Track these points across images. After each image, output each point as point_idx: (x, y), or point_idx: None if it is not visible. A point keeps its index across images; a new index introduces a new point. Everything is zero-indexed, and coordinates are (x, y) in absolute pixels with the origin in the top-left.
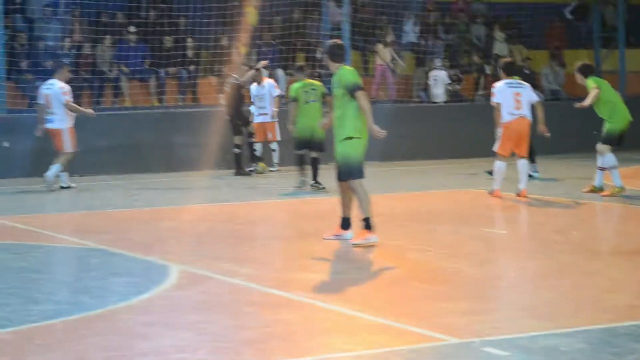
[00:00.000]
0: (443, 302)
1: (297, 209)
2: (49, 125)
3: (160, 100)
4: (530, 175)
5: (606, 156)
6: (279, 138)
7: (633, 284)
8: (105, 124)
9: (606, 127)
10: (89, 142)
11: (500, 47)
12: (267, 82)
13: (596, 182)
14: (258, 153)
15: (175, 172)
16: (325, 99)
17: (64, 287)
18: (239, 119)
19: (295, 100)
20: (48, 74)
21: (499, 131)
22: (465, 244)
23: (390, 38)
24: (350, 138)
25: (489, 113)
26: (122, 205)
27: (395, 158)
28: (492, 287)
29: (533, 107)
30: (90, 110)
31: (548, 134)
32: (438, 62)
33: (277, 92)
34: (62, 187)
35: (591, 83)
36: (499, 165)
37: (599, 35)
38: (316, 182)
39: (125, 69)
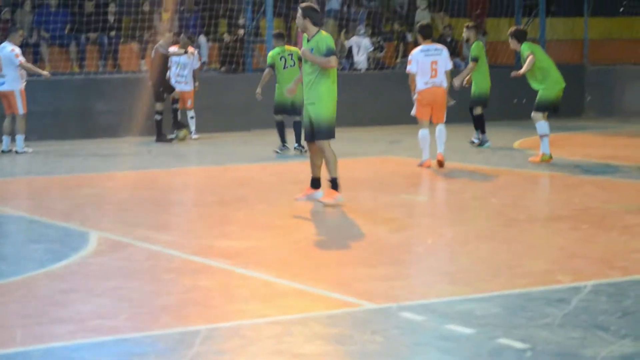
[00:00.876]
0: (361, 267)
1: (218, 175)
2: (0, 88)
3: (80, 67)
4: (480, 144)
5: (538, 123)
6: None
7: (549, 250)
8: (25, 89)
9: (539, 93)
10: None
11: (422, 15)
12: (191, 51)
13: (542, 150)
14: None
15: (96, 139)
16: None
17: None
18: (162, 85)
19: (271, 66)
20: None
21: (415, 96)
22: (384, 210)
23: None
24: (322, 100)
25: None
26: (42, 172)
27: None
28: (410, 253)
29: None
30: (46, 72)
31: (452, 103)
32: (360, 30)
33: (198, 64)
34: (17, 152)
35: (526, 49)
36: (421, 133)
37: (520, 4)
38: (300, 146)
39: (45, 34)
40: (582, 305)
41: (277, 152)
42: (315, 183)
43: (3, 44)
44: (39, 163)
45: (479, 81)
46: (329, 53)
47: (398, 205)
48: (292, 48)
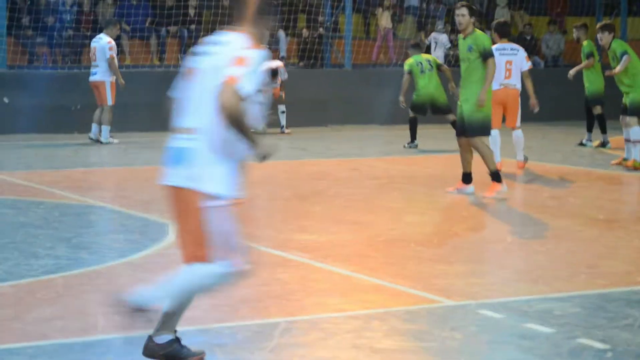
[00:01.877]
0: (439, 264)
1: (295, 169)
2: (92, 78)
3: (160, 59)
4: (602, 145)
5: (633, 128)
6: None
7: (629, 251)
8: None
9: (631, 96)
10: (89, 99)
11: (501, 12)
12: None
13: (627, 155)
14: None
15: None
16: (441, 69)
17: (64, 243)
18: None
19: (409, 73)
20: (49, 30)
21: None
22: (463, 208)
23: (389, 1)
24: (474, 97)
25: None
26: (122, 163)
27: (396, 121)
28: (488, 251)
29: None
30: (122, 81)
31: (537, 109)
32: (439, 25)
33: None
34: (101, 142)
35: (619, 47)
36: (492, 133)
37: (601, 2)
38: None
39: (126, 27)
40: None
41: (405, 146)
42: (467, 178)
43: (100, 35)
44: (120, 154)
45: (594, 79)
46: (490, 54)
47: (477, 204)
48: (429, 56)
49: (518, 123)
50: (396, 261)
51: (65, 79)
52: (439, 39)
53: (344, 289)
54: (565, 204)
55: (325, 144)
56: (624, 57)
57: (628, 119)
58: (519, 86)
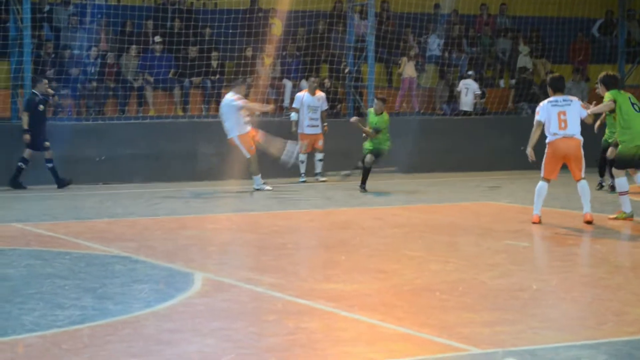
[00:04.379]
0: (465, 312)
1: (320, 218)
2: (228, 137)
3: (184, 110)
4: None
5: (617, 180)
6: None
7: None
8: (130, 133)
9: (618, 148)
10: (113, 150)
11: (524, 60)
12: (320, 95)
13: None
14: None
15: (199, 182)
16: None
17: (89, 293)
18: None
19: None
20: (73, 82)
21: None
22: (487, 256)
23: (414, 51)
24: None
25: (509, 126)
26: (145, 213)
27: (418, 170)
28: (514, 299)
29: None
30: (267, 106)
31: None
32: (470, 72)
33: (326, 106)
34: (256, 190)
35: (608, 96)
36: (540, 185)
37: (623, 50)
38: None
39: (149, 78)
40: None
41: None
42: None
43: (228, 94)
44: (143, 204)
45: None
46: None
47: (501, 251)
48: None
49: (583, 174)
50: (421, 310)
51: (89, 130)
52: (470, 86)
53: (369, 338)
54: (590, 251)
55: (349, 192)
56: (607, 102)
57: (614, 170)
58: (579, 136)
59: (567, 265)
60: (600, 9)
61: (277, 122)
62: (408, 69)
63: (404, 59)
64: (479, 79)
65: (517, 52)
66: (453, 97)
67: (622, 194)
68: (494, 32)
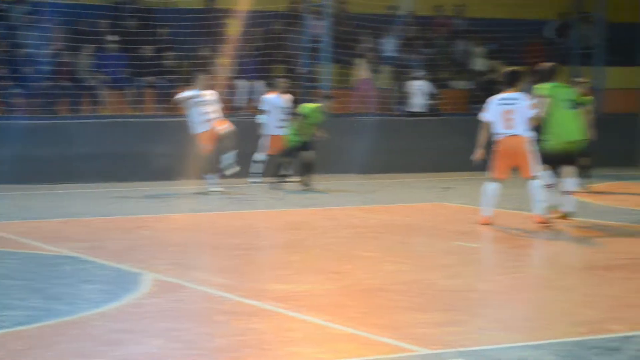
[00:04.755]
0: (416, 313)
1: (273, 219)
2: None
3: (138, 109)
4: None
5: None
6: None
7: (604, 299)
8: (84, 132)
9: (541, 145)
10: (67, 150)
11: (480, 62)
12: (289, 96)
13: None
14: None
15: (154, 182)
16: None
17: (37, 293)
18: None
19: None
20: (27, 81)
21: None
22: (439, 257)
23: (370, 52)
24: None
25: (464, 127)
26: (99, 213)
27: (373, 171)
28: (465, 300)
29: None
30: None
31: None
32: (420, 73)
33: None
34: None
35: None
36: (489, 186)
37: (578, 53)
38: None
39: (104, 77)
40: (637, 355)
41: None
42: None
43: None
44: (94, 204)
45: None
46: None
47: (453, 252)
48: None
49: (533, 172)
50: (372, 310)
51: (42, 129)
52: (422, 87)
53: (319, 338)
54: (541, 252)
55: (302, 193)
56: (543, 100)
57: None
58: (525, 133)
59: (518, 266)
60: (552, 10)
61: (235, 122)
62: (363, 70)
63: (360, 59)
64: (433, 80)
65: (473, 53)
66: (407, 98)
67: (548, 187)
68: (450, 33)
